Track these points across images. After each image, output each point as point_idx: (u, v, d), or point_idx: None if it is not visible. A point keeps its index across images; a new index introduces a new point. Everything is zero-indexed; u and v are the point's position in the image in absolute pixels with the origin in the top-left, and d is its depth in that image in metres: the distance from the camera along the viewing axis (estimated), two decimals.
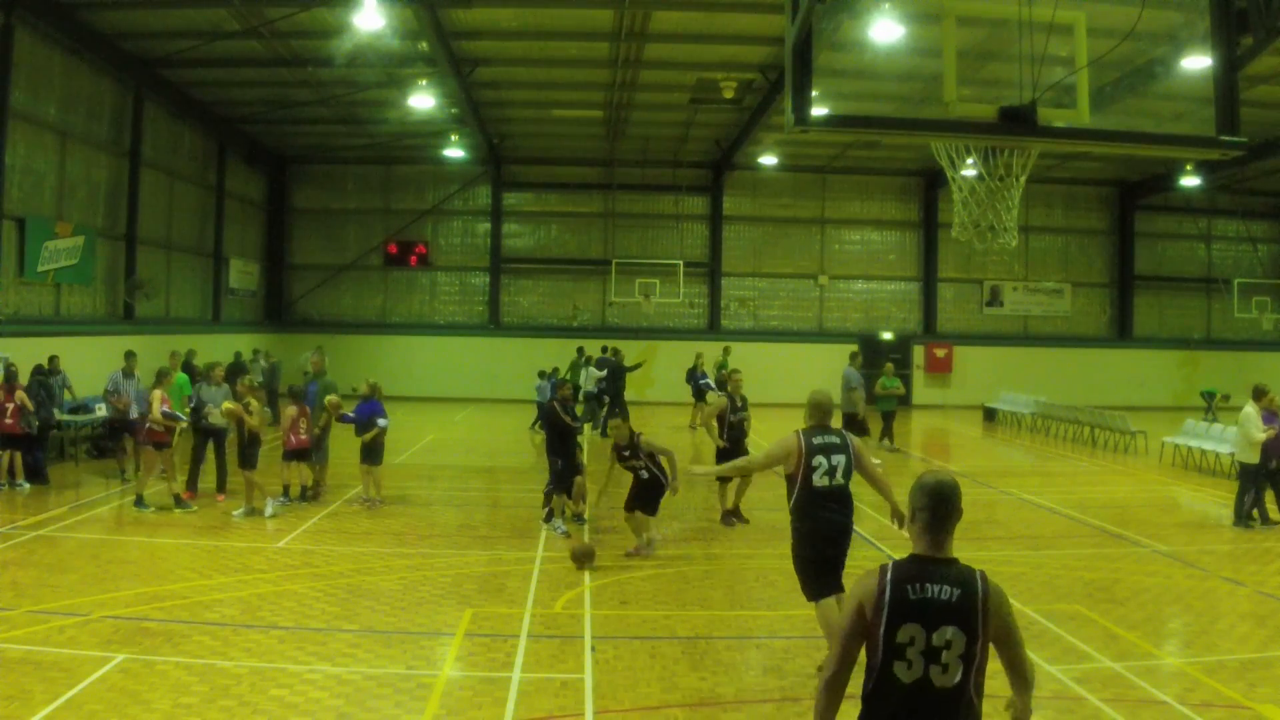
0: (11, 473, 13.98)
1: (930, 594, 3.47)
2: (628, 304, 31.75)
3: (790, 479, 7.00)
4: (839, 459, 6.96)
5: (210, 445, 13.88)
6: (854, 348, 22.82)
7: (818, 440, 6.98)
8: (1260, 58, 13.89)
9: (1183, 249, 34.33)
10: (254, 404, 12.91)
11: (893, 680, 3.48)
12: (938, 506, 3.58)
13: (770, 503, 14.84)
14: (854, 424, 19.37)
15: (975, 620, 3.48)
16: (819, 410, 7.21)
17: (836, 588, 6.91)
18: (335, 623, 8.27)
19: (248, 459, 12.61)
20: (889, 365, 22.33)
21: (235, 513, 12.55)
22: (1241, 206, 33.17)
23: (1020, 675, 3.75)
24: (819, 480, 6.90)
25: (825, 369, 28.93)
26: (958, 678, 3.51)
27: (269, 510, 12.54)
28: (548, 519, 12.31)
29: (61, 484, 14.76)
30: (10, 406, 13.78)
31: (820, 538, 6.96)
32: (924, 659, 3.46)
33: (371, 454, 13.68)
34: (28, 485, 14.14)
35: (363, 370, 31.11)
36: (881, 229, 33.67)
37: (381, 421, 13.67)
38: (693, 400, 25.32)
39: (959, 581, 3.51)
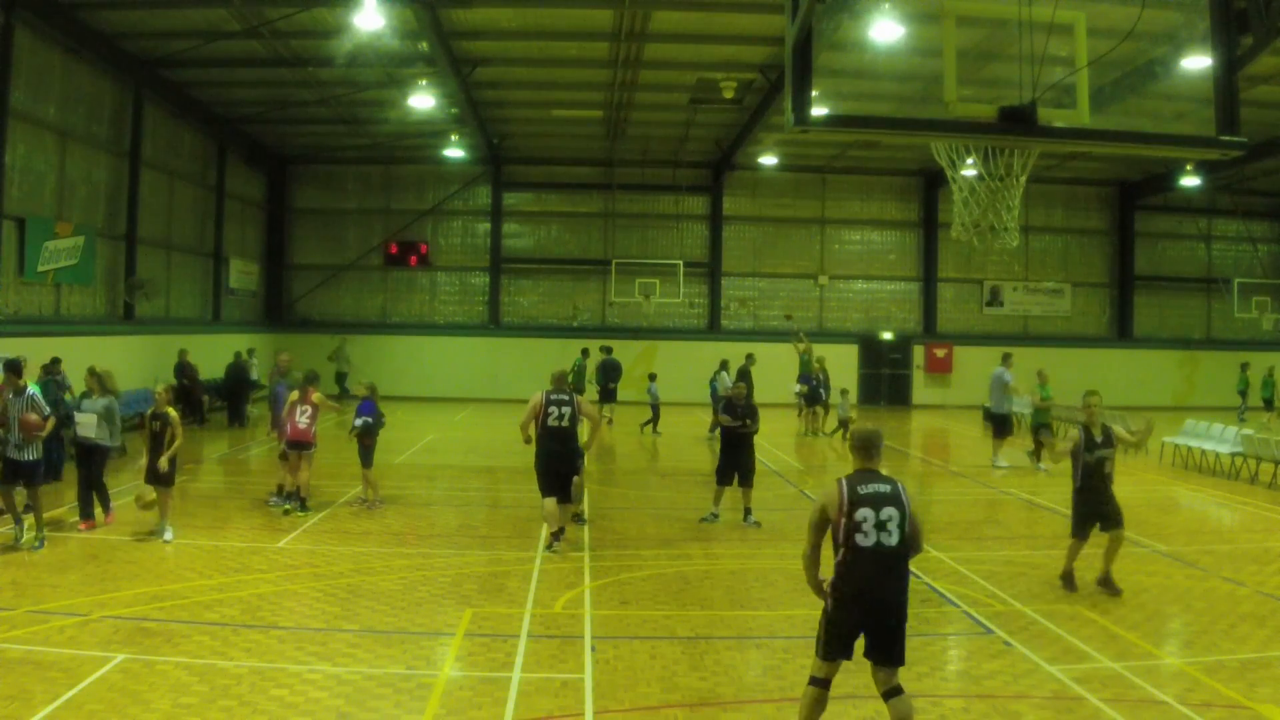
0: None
1: (874, 489, 5.61)
2: (628, 304, 31.76)
3: (536, 422, 11.13)
4: (566, 409, 11.10)
5: (91, 463, 11.75)
6: (1007, 349, 21.27)
7: (553, 397, 11.15)
8: (1260, 58, 13.86)
9: (1183, 249, 34.33)
10: (173, 414, 11.34)
11: (855, 547, 5.55)
12: (867, 443, 5.87)
13: (770, 503, 14.85)
14: (1004, 424, 19.07)
15: (904, 501, 5.61)
16: (558, 380, 11.46)
17: (558, 494, 11.00)
18: (335, 623, 8.27)
19: (166, 474, 11.23)
20: (1042, 371, 19.36)
21: (165, 536, 11.08)
22: (1241, 206, 33.16)
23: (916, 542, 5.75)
24: (551, 422, 11.06)
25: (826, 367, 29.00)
26: (897, 540, 5.57)
27: (167, 534, 11.13)
28: (745, 516, 12.77)
29: (61, 484, 14.72)
30: None
31: (549, 458, 11.07)
32: (876, 530, 5.54)
33: (362, 455, 13.62)
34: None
35: (363, 370, 31.40)
36: (881, 229, 33.68)
37: (357, 422, 13.53)
38: (803, 406, 24.23)
39: (888, 480, 5.70)
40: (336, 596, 9.07)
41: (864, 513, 5.50)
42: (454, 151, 29.89)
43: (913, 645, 7.99)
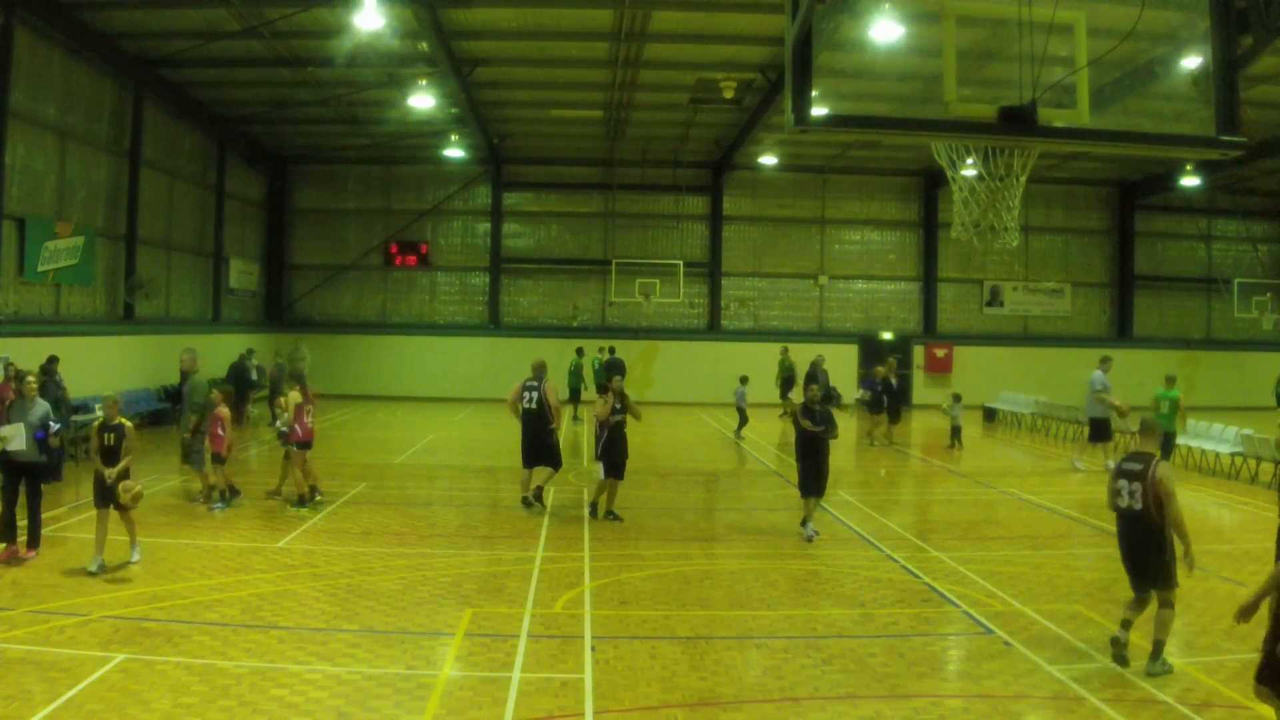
0: None
1: (1129, 466, 7.68)
2: (628, 304, 31.75)
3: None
4: (534, 395, 13.36)
5: (23, 484, 10.20)
6: (1105, 353, 20.33)
7: (527, 384, 13.45)
8: (1260, 58, 13.87)
9: (1183, 249, 34.33)
10: (129, 425, 10.08)
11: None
12: (1142, 429, 8.05)
13: (770, 503, 14.84)
14: (1101, 429, 18.41)
15: (1147, 477, 7.46)
16: (536, 369, 13.68)
17: (532, 463, 13.49)
18: (335, 623, 8.27)
19: (115, 493, 9.76)
20: (1169, 377, 18.14)
21: (133, 557, 9.91)
22: (1241, 206, 33.17)
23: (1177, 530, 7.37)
24: (524, 405, 13.40)
25: (826, 369, 29.05)
26: (1139, 506, 7.50)
27: (135, 555, 9.94)
28: (804, 524, 12.13)
29: (61, 484, 14.72)
30: None
31: (523, 434, 13.50)
32: (1128, 496, 7.61)
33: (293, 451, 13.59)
34: None
35: (363, 370, 31.40)
36: (881, 229, 33.67)
37: (283, 427, 13.57)
38: (870, 413, 22.25)
39: (1142, 460, 7.61)
40: (336, 596, 9.07)
41: (1120, 484, 7.64)
42: (454, 151, 29.88)
43: (912, 645, 8.02)
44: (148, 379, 22.58)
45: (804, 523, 12.12)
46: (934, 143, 7.00)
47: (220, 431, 12.77)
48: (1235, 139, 5.26)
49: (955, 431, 21.90)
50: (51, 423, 10.34)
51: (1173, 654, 7.96)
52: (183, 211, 26.11)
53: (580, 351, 26.56)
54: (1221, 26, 5.40)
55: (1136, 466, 7.59)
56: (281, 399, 13.78)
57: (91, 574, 9.44)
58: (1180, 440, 19.27)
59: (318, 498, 13.27)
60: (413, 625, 8.32)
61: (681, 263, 31.65)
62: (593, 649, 7.70)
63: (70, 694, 6.44)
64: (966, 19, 5.93)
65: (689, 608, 9.11)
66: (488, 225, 32.86)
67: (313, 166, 32.56)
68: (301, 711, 6.33)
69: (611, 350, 26.83)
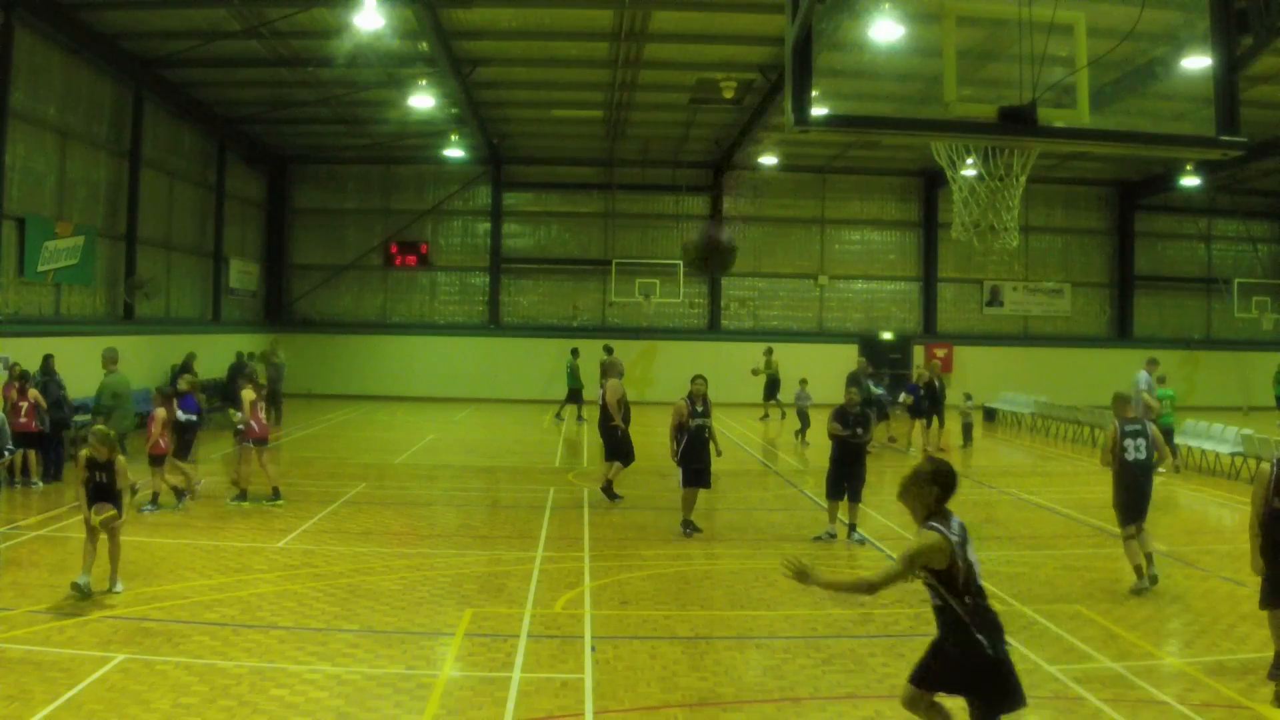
0: (25, 471, 13.96)
1: (1131, 428, 9.95)
2: (628, 304, 31.74)
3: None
4: (600, 393, 14.36)
5: None
6: (1153, 354, 19.73)
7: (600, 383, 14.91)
8: (1260, 58, 13.89)
9: (1183, 249, 34.33)
10: (122, 462, 9.04)
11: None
12: (1119, 401, 10.26)
13: (770, 503, 14.85)
14: None
15: (1148, 434, 9.98)
16: (611, 369, 14.87)
17: (609, 459, 14.34)
18: (335, 623, 8.27)
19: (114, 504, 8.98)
20: (1160, 376, 18.05)
21: (116, 588, 8.85)
22: (1241, 206, 33.17)
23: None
24: (599, 402, 14.53)
25: (825, 369, 29.04)
26: (1144, 456, 9.89)
27: (118, 586, 8.90)
28: (850, 532, 11.95)
29: (62, 484, 14.73)
30: (25, 405, 13.75)
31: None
32: (1134, 450, 9.82)
33: (181, 449, 13.38)
34: (41, 484, 14.16)
35: (363, 370, 31.40)
36: (881, 229, 33.67)
37: (181, 418, 13.37)
38: (909, 417, 21.18)
39: (1136, 422, 9.96)
40: (336, 596, 9.07)
41: (1127, 442, 9.67)
42: (454, 151, 29.84)
43: (912, 645, 8.00)
44: (147, 379, 22.52)
45: (851, 529, 11.95)
46: (934, 143, 6.99)
47: (155, 433, 12.58)
48: (1235, 139, 5.26)
49: (967, 429, 21.95)
50: None
51: (1173, 654, 7.97)
52: (183, 211, 26.11)
53: (575, 352, 26.48)
54: (1221, 26, 5.39)
55: (1137, 427, 9.81)
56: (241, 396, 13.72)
57: (78, 585, 8.60)
58: (1179, 439, 19.30)
59: (279, 500, 13.17)
60: (413, 625, 8.32)
61: (681, 263, 31.64)
62: (593, 649, 7.70)
63: (70, 694, 6.43)
64: (966, 19, 5.93)
65: (689, 608, 9.11)
66: (488, 225, 32.86)
67: (313, 166, 32.56)
68: (301, 711, 6.32)
69: (609, 350, 26.73)
